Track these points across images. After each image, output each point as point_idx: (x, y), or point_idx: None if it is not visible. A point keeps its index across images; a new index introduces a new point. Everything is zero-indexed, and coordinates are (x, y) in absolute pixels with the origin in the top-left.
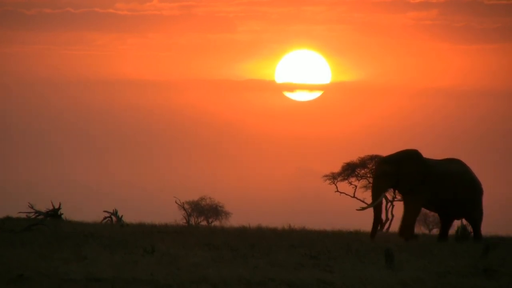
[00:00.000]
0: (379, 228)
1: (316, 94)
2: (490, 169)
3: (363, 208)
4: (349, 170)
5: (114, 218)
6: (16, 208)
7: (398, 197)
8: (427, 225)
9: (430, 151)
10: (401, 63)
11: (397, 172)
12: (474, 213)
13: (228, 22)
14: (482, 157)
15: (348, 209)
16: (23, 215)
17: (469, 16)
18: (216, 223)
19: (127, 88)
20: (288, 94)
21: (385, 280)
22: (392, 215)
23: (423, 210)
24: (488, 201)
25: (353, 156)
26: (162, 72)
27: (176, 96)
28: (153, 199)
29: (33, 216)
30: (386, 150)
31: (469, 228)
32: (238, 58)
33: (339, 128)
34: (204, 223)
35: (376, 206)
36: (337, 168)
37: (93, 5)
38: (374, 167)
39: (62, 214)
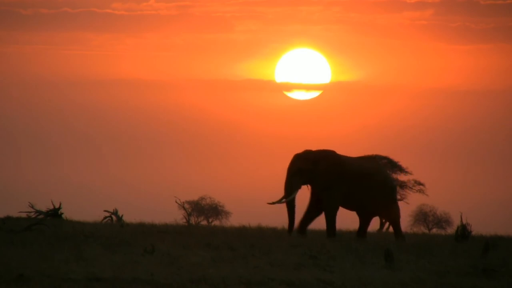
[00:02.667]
0: (378, 228)
1: (316, 93)
2: (490, 169)
3: (273, 203)
4: None
5: (114, 218)
6: (16, 208)
7: (398, 196)
8: (426, 225)
9: (430, 151)
10: (398, 63)
11: (312, 170)
12: (390, 210)
13: (225, 22)
14: (482, 157)
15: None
16: (24, 215)
17: (465, 16)
18: (216, 222)
19: (125, 88)
20: (287, 94)
21: (384, 280)
22: None
23: (423, 210)
24: (488, 201)
25: (353, 155)
26: (160, 72)
27: (174, 96)
28: (153, 199)
29: (34, 216)
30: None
31: (469, 228)
32: (236, 58)
33: (339, 127)
34: (204, 222)
35: (290, 202)
36: None
37: (90, 5)
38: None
39: (63, 213)
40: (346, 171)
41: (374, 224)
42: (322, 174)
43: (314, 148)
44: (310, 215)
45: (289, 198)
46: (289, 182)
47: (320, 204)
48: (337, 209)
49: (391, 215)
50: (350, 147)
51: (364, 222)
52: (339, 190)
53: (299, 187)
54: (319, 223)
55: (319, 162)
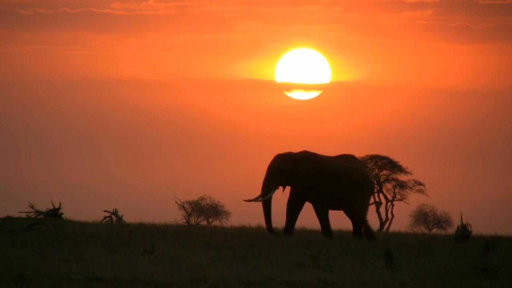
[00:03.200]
0: (378, 228)
1: (316, 93)
2: (490, 169)
3: (250, 200)
4: None
5: (114, 218)
6: (16, 208)
7: (398, 196)
8: (427, 225)
9: (430, 151)
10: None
11: (292, 172)
12: (360, 208)
13: (224, 22)
14: (482, 157)
15: None
16: (23, 215)
17: (465, 16)
18: (216, 223)
19: (125, 88)
20: (287, 94)
21: (384, 280)
22: (392, 215)
23: (423, 210)
24: (488, 201)
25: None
26: (160, 71)
27: (174, 95)
28: (153, 199)
29: (33, 216)
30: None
31: (469, 228)
32: (236, 58)
33: (339, 127)
34: (204, 223)
35: (266, 201)
36: None
37: (90, 5)
38: (375, 166)
39: (62, 213)
40: (326, 171)
41: (374, 224)
42: (303, 175)
43: (296, 149)
44: (294, 215)
45: (266, 197)
46: (267, 181)
47: (308, 202)
48: (327, 209)
49: (362, 214)
50: (350, 147)
51: (354, 221)
52: (324, 191)
53: (277, 187)
54: (319, 223)
55: (299, 164)
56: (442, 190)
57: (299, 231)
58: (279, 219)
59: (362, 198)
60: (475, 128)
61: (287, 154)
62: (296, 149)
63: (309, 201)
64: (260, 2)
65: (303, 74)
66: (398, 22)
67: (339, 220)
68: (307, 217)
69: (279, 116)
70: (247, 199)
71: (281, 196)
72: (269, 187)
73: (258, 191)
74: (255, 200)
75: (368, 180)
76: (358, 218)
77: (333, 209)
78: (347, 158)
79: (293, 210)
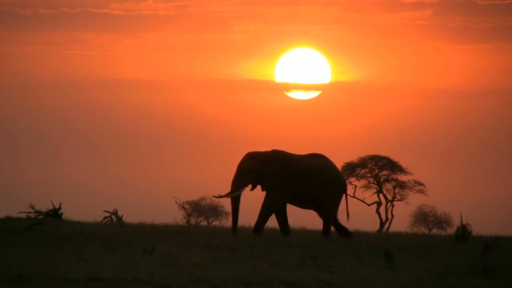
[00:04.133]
0: (378, 228)
1: (315, 93)
2: (490, 169)
3: (220, 196)
4: (349, 170)
5: (114, 218)
6: (16, 208)
7: (398, 197)
8: (427, 225)
9: (430, 151)
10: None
11: (262, 170)
12: (329, 208)
13: (223, 22)
14: (482, 157)
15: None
16: (23, 215)
17: (464, 16)
18: (216, 223)
19: (125, 88)
20: (287, 94)
21: (384, 280)
22: (392, 215)
23: (423, 210)
24: (488, 201)
25: (353, 156)
26: (159, 71)
27: (174, 95)
28: (153, 199)
29: (33, 216)
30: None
31: (469, 228)
32: (235, 58)
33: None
34: (204, 223)
35: (235, 198)
36: None
37: (89, 5)
38: (375, 166)
39: (62, 214)
40: (296, 171)
41: (374, 224)
42: (273, 175)
43: (297, 148)
44: (282, 214)
45: (234, 194)
46: (237, 179)
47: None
48: (276, 208)
49: (330, 213)
50: (350, 147)
51: (325, 220)
52: (284, 191)
53: (247, 185)
54: (319, 223)
55: (269, 164)
56: (442, 190)
57: (299, 231)
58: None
59: (332, 198)
60: (475, 128)
61: (258, 153)
62: (296, 149)
63: (265, 195)
64: (259, 2)
65: (303, 74)
66: (397, 22)
67: (340, 220)
68: (307, 217)
69: (279, 116)
70: (217, 194)
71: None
72: (238, 185)
73: (258, 191)
74: (225, 196)
75: (339, 179)
76: (326, 215)
77: (299, 206)
78: (318, 158)
79: (279, 210)
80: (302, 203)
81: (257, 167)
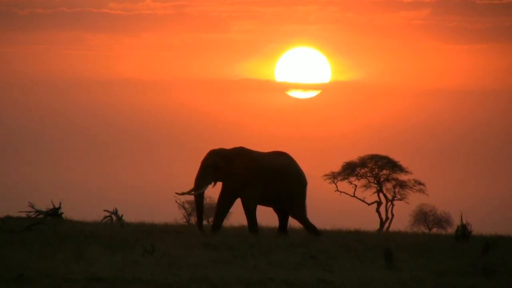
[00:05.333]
0: (378, 227)
1: (314, 93)
2: (490, 169)
3: (183, 193)
4: (349, 170)
5: (114, 218)
6: (16, 208)
7: (398, 196)
8: (427, 225)
9: (430, 151)
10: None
11: (226, 168)
12: (297, 206)
13: (221, 21)
14: (482, 157)
15: (348, 209)
16: (23, 215)
17: (462, 16)
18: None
19: (123, 88)
20: (286, 93)
21: (384, 279)
22: (392, 215)
23: (423, 209)
24: (488, 201)
25: (353, 155)
26: (157, 71)
27: (172, 95)
28: (153, 199)
29: (34, 216)
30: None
31: (469, 228)
32: (233, 58)
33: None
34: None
35: (199, 195)
36: (337, 168)
37: (87, 5)
38: (375, 165)
39: (63, 213)
40: (260, 168)
41: (374, 223)
42: (236, 172)
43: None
44: (224, 211)
45: (198, 192)
46: (201, 176)
47: (240, 200)
48: (256, 205)
49: (302, 211)
50: (350, 147)
51: (281, 218)
52: (256, 187)
53: (210, 183)
54: (319, 222)
55: (232, 160)
56: (442, 190)
57: (299, 231)
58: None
59: (297, 195)
60: (475, 128)
61: (221, 150)
62: (296, 148)
63: (240, 197)
64: (257, 2)
65: (303, 74)
66: (395, 22)
67: (338, 219)
68: (308, 216)
69: (279, 116)
70: (179, 192)
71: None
72: (201, 182)
73: None
74: (188, 193)
75: (301, 177)
76: (298, 216)
77: (265, 205)
78: (281, 156)
79: (224, 206)
80: (268, 202)
81: (220, 163)
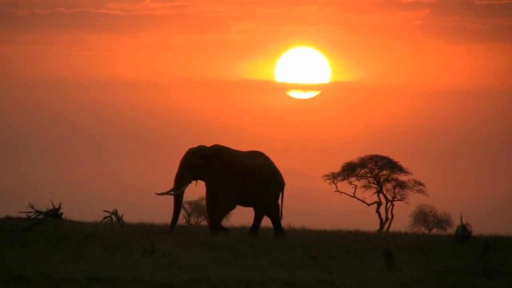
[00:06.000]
0: (378, 228)
1: (314, 93)
2: (490, 169)
3: (162, 194)
4: (349, 170)
5: (114, 218)
6: (16, 208)
7: (398, 196)
8: (427, 225)
9: (430, 151)
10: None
11: (205, 166)
12: (265, 204)
13: (220, 22)
14: (482, 157)
15: (348, 209)
16: (23, 215)
17: (461, 16)
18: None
19: (122, 88)
20: (286, 94)
21: (384, 280)
22: (392, 215)
23: (423, 210)
24: (488, 201)
25: (353, 156)
26: (156, 71)
27: (171, 95)
28: (153, 199)
29: (33, 216)
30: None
31: (469, 228)
32: (233, 58)
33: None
34: (204, 223)
35: (178, 195)
36: (337, 168)
37: (86, 5)
38: (375, 166)
39: (62, 214)
40: (238, 167)
41: (374, 224)
42: (216, 170)
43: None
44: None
45: (178, 191)
46: (180, 176)
47: (216, 198)
48: (231, 205)
49: (264, 210)
50: (350, 147)
51: (257, 217)
52: (234, 186)
53: (190, 182)
54: (319, 223)
55: (212, 159)
56: (442, 190)
57: (299, 231)
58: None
59: (268, 194)
60: (475, 128)
61: (200, 148)
62: (296, 148)
63: (217, 195)
64: (256, 2)
65: (302, 74)
66: (394, 22)
67: (338, 220)
68: (307, 217)
69: (279, 116)
70: (159, 192)
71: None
72: (181, 181)
73: None
74: (167, 193)
75: (278, 177)
76: (259, 212)
77: (244, 205)
78: (258, 155)
79: (212, 205)
80: (244, 201)
81: (199, 162)
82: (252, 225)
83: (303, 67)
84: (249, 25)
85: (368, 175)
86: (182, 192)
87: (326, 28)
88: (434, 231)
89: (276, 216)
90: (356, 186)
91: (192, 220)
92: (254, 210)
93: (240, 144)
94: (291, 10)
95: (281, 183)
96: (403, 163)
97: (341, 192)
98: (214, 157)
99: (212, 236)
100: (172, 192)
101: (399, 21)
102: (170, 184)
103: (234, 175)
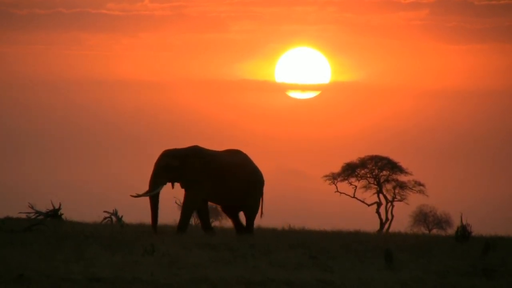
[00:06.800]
0: (378, 228)
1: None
2: (490, 169)
3: (137, 196)
4: (349, 171)
5: (114, 218)
6: (16, 208)
7: (398, 197)
8: (427, 226)
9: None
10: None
11: (180, 167)
12: (251, 204)
13: (220, 22)
14: (482, 157)
15: (348, 210)
16: (23, 215)
17: (460, 16)
18: (216, 223)
19: (122, 88)
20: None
21: (384, 280)
22: (392, 216)
23: (423, 210)
24: (488, 201)
25: (353, 156)
26: (155, 72)
27: (171, 96)
28: None
29: (33, 216)
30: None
31: (469, 228)
32: (233, 58)
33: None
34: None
35: (154, 196)
36: (337, 168)
37: (85, 5)
38: (375, 166)
39: (62, 214)
40: (213, 167)
41: (374, 224)
42: (190, 171)
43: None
44: (203, 211)
45: (152, 193)
46: (155, 177)
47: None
48: (197, 204)
49: (253, 209)
50: (350, 147)
51: (233, 216)
52: (204, 187)
53: (165, 183)
54: (319, 223)
55: (186, 160)
56: (442, 190)
57: (299, 231)
58: (279, 219)
59: (250, 193)
60: (475, 128)
61: (175, 150)
62: (296, 148)
63: (185, 193)
64: (256, 2)
65: (302, 74)
66: (393, 22)
67: (338, 220)
68: (307, 217)
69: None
70: (134, 194)
71: (282, 197)
72: (156, 183)
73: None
74: (143, 195)
75: (258, 176)
76: (249, 213)
77: (217, 203)
78: (236, 154)
79: (200, 208)
80: (223, 201)
81: (173, 163)
82: (246, 226)
83: (303, 67)
84: (249, 25)
85: (368, 176)
86: (158, 193)
87: (325, 28)
88: (434, 231)
89: (233, 214)
90: (356, 186)
91: (192, 221)
92: (243, 211)
93: (240, 144)
94: (291, 10)
95: (261, 181)
96: (403, 163)
97: (341, 193)
98: (189, 157)
99: (179, 235)
100: (147, 194)
101: (398, 21)
102: (169, 185)
103: (210, 175)
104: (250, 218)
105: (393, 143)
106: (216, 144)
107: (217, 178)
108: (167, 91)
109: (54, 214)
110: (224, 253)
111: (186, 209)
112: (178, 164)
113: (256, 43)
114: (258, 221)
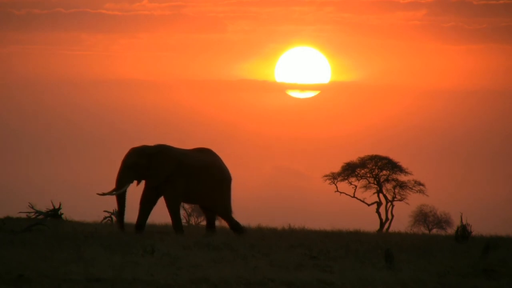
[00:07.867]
0: (378, 228)
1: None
2: (490, 169)
3: (104, 194)
4: (349, 170)
5: (114, 218)
6: (16, 208)
7: (398, 197)
8: (427, 225)
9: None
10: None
11: (147, 165)
12: (223, 202)
13: (218, 22)
14: (482, 157)
15: (348, 209)
16: (23, 215)
17: (458, 16)
18: (216, 223)
19: (121, 88)
20: (286, 94)
21: (384, 280)
22: (392, 215)
23: (423, 210)
24: (488, 201)
25: (353, 156)
26: (154, 72)
27: (170, 96)
28: None
29: (33, 216)
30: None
31: (469, 228)
32: (231, 58)
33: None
34: (204, 223)
35: (121, 195)
36: (337, 168)
37: (83, 6)
38: (375, 166)
39: (62, 214)
40: (182, 165)
41: (374, 224)
42: (158, 169)
43: (300, 148)
44: (147, 210)
45: (120, 191)
46: (122, 175)
47: (162, 198)
48: (179, 202)
49: (225, 208)
50: (350, 147)
51: (208, 215)
52: (178, 185)
53: (132, 181)
54: (319, 223)
55: (154, 157)
56: (442, 190)
57: (299, 231)
58: (279, 219)
59: (221, 192)
60: (474, 128)
61: (142, 147)
62: (296, 148)
63: (163, 195)
64: (254, 2)
65: (301, 74)
66: (391, 22)
67: (338, 220)
68: (308, 217)
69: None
70: (100, 192)
71: (282, 197)
72: (123, 181)
73: (257, 191)
74: (110, 193)
75: (226, 174)
76: (222, 213)
77: (189, 202)
78: (205, 152)
79: (147, 205)
80: (194, 200)
81: (141, 161)
82: (229, 226)
83: (302, 67)
84: (248, 25)
85: (368, 175)
86: (125, 192)
87: (324, 28)
88: (434, 231)
89: (210, 212)
90: (356, 186)
91: (192, 221)
92: (216, 211)
93: (240, 144)
94: (288, 10)
95: (230, 179)
96: (403, 163)
97: (341, 192)
98: (156, 155)
99: (178, 235)
100: (114, 192)
101: (396, 21)
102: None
103: (177, 173)
104: (226, 215)
105: (393, 143)
106: (216, 144)
107: (188, 176)
108: (166, 91)
109: (54, 214)
110: (224, 253)
111: (171, 210)
112: (145, 162)
113: (256, 43)
114: (258, 221)
